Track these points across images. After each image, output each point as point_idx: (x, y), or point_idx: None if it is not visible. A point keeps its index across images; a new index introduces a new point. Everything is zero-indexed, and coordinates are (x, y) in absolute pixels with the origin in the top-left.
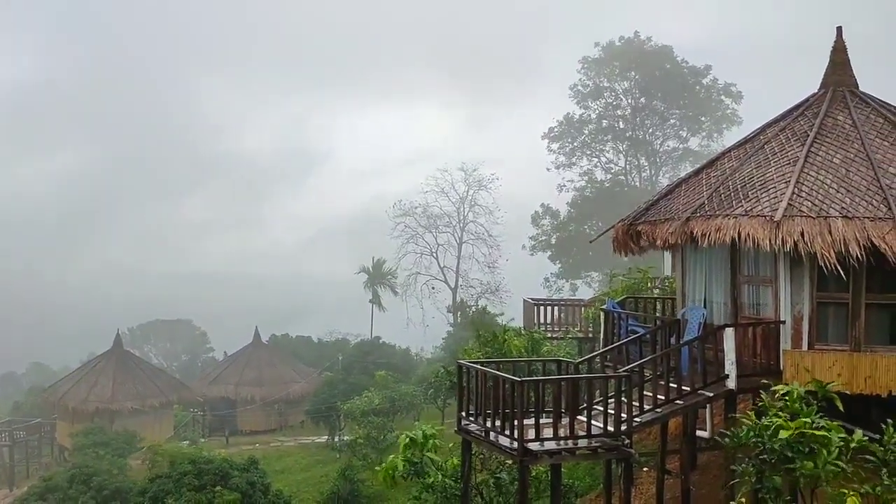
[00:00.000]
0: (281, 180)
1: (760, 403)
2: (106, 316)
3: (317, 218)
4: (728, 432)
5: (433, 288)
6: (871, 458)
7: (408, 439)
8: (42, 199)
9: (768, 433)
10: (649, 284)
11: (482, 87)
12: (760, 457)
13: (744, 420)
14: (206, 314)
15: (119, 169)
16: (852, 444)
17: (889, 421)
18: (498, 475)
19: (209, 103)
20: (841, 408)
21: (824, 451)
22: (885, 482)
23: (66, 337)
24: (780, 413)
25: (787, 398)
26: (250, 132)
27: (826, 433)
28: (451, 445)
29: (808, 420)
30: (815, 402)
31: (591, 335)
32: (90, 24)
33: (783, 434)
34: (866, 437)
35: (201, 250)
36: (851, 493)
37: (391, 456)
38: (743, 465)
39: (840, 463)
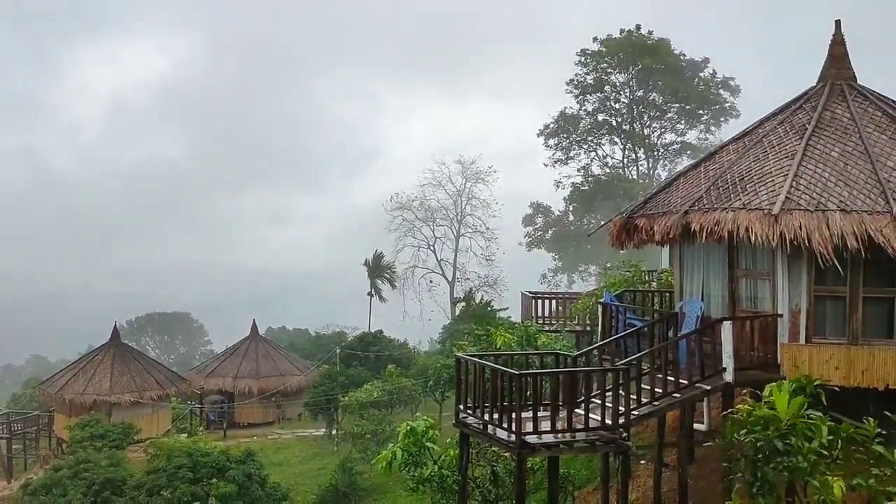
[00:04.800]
0: (339, 174)
1: (751, 402)
2: (109, 308)
3: (348, 212)
4: (721, 430)
5: (431, 281)
6: (862, 450)
7: (408, 428)
8: (114, 190)
9: (758, 427)
10: (645, 278)
11: (490, 83)
12: (753, 451)
13: (735, 416)
14: (207, 306)
15: (196, 162)
16: (843, 435)
17: (869, 417)
18: (494, 467)
19: (298, 100)
20: (825, 402)
21: (806, 443)
22: (875, 473)
23: (65, 329)
24: (771, 407)
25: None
26: (326, 127)
27: (815, 423)
28: (448, 440)
29: (798, 411)
30: (806, 396)
31: (588, 328)
32: (203, 31)
33: (773, 426)
34: (854, 428)
35: (233, 244)
36: (836, 478)
37: (391, 445)
38: (734, 461)
39: (823, 451)
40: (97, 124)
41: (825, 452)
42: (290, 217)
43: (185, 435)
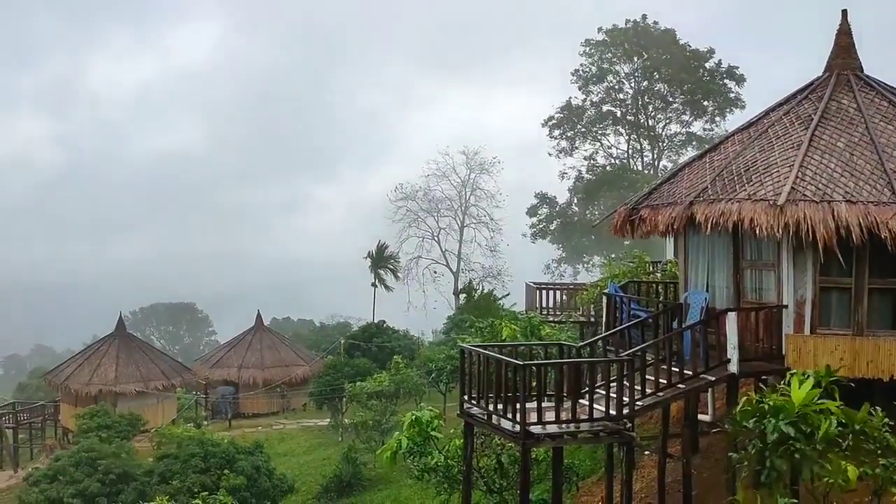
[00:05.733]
0: (359, 164)
1: (763, 391)
2: (117, 298)
3: (362, 202)
4: (730, 417)
5: (435, 272)
6: (870, 441)
7: (413, 418)
8: (137, 178)
9: (769, 414)
10: (650, 269)
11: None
12: (762, 439)
13: (745, 405)
14: (215, 296)
15: (223, 151)
16: (855, 427)
17: (878, 407)
18: (499, 457)
19: (326, 90)
20: (837, 397)
21: (816, 430)
22: (882, 462)
23: (71, 319)
24: (782, 395)
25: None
26: (350, 118)
27: (825, 410)
28: (451, 431)
29: (813, 397)
30: (820, 389)
31: (592, 319)
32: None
33: (785, 413)
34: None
35: (246, 234)
36: (848, 463)
37: (396, 434)
38: (742, 450)
39: (832, 437)
40: (124, 112)
41: (834, 441)
42: (305, 207)
43: (192, 424)
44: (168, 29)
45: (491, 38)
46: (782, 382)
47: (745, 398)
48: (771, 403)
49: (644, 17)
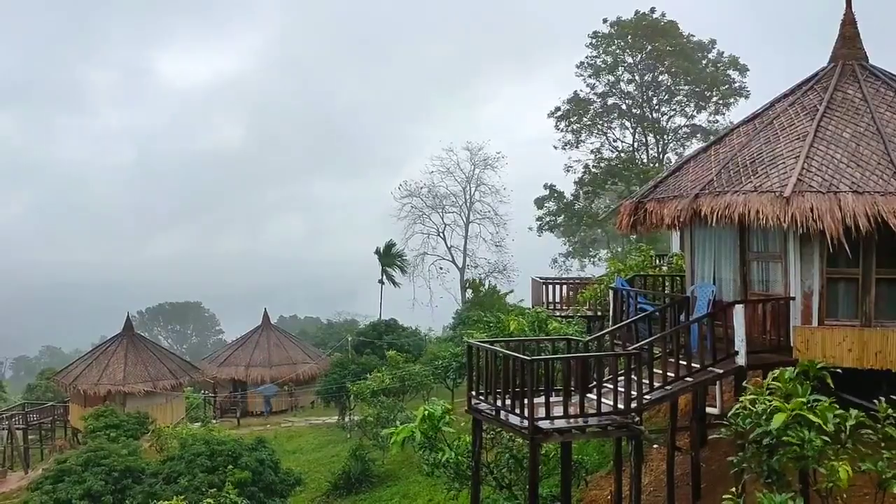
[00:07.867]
0: (388, 163)
1: (753, 389)
2: (121, 299)
3: (380, 201)
4: (727, 422)
5: (441, 268)
6: (871, 434)
7: (426, 412)
8: (169, 179)
9: (763, 418)
10: (656, 262)
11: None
12: (759, 441)
13: (741, 407)
14: (219, 295)
15: (250, 154)
16: (849, 422)
17: (881, 398)
18: (510, 452)
19: (359, 91)
20: (832, 385)
21: (806, 431)
22: (886, 456)
23: (78, 320)
24: (773, 396)
25: (778, 380)
26: (382, 117)
27: (818, 413)
28: (462, 424)
29: (803, 401)
30: (810, 381)
31: (599, 313)
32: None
33: (778, 417)
34: (863, 414)
35: (263, 233)
36: (842, 463)
37: (410, 424)
38: (741, 452)
39: (828, 439)
40: (164, 115)
41: (829, 440)
42: (319, 207)
43: (199, 424)
44: (230, 26)
45: (530, 36)
46: (772, 378)
47: (739, 401)
48: (764, 407)
49: (653, 9)
